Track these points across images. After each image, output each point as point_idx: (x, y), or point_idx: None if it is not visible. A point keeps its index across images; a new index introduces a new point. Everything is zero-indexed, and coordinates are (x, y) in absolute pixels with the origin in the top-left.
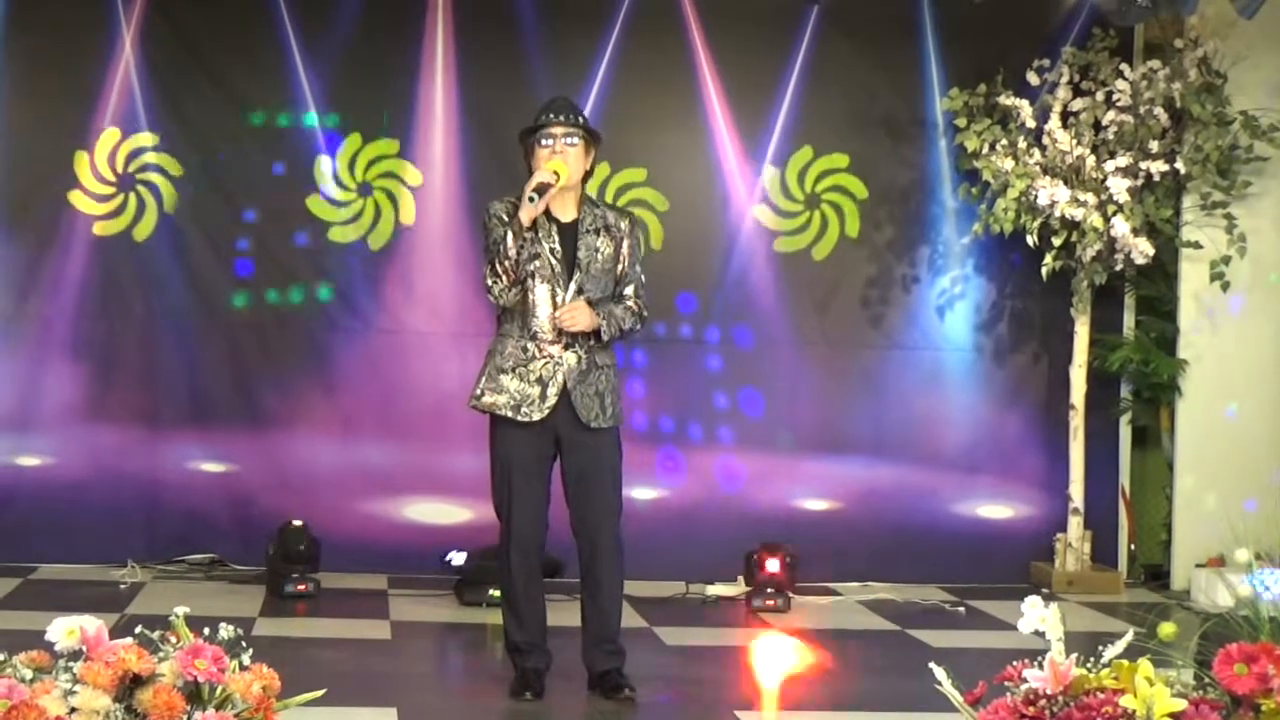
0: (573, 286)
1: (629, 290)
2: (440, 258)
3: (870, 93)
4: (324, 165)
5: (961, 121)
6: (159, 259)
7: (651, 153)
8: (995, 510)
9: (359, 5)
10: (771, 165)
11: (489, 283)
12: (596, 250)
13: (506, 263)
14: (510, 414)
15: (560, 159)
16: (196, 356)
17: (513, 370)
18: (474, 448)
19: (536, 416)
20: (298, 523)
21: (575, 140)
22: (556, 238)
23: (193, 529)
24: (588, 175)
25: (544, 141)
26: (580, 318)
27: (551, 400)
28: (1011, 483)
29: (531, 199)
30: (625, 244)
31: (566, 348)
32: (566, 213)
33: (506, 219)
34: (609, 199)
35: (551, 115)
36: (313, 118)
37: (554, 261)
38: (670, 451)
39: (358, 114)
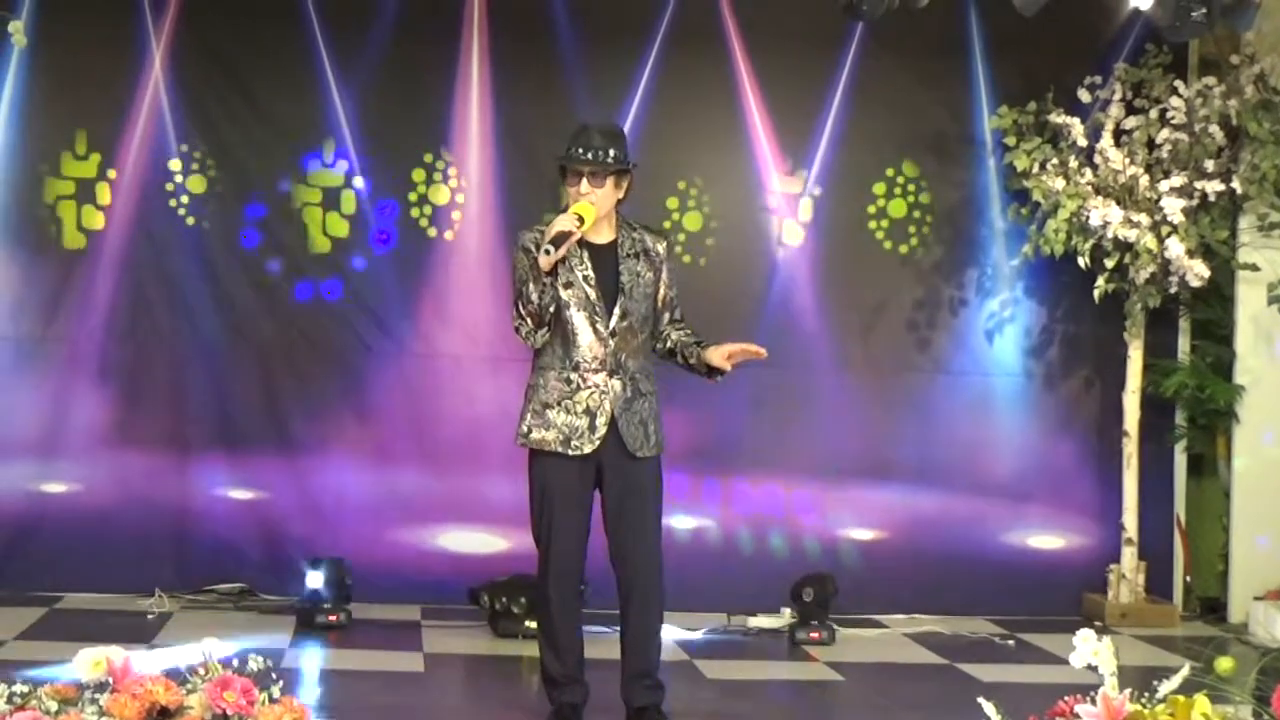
0: (616, 312)
1: (678, 314)
2: (476, 279)
3: (916, 110)
4: (358, 184)
5: (1011, 140)
6: (187, 280)
7: (692, 170)
8: (1046, 540)
9: (393, 23)
10: (815, 184)
11: (515, 324)
12: (638, 275)
13: (530, 307)
14: (560, 449)
15: (586, 200)
16: (226, 380)
17: (558, 404)
18: (510, 475)
19: (587, 449)
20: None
21: (602, 177)
22: (590, 263)
23: (222, 558)
24: (620, 202)
25: (570, 174)
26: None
27: (601, 431)
28: (1063, 512)
29: (548, 251)
30: (665, 269)
31: (611, 375)
32: (600, 235)
33: (534, 251)
34: (645, 218)
35: (580, 150)
36: (346, 136)
37: (589, 289)
38: (712, 481)
39: (392, 132)
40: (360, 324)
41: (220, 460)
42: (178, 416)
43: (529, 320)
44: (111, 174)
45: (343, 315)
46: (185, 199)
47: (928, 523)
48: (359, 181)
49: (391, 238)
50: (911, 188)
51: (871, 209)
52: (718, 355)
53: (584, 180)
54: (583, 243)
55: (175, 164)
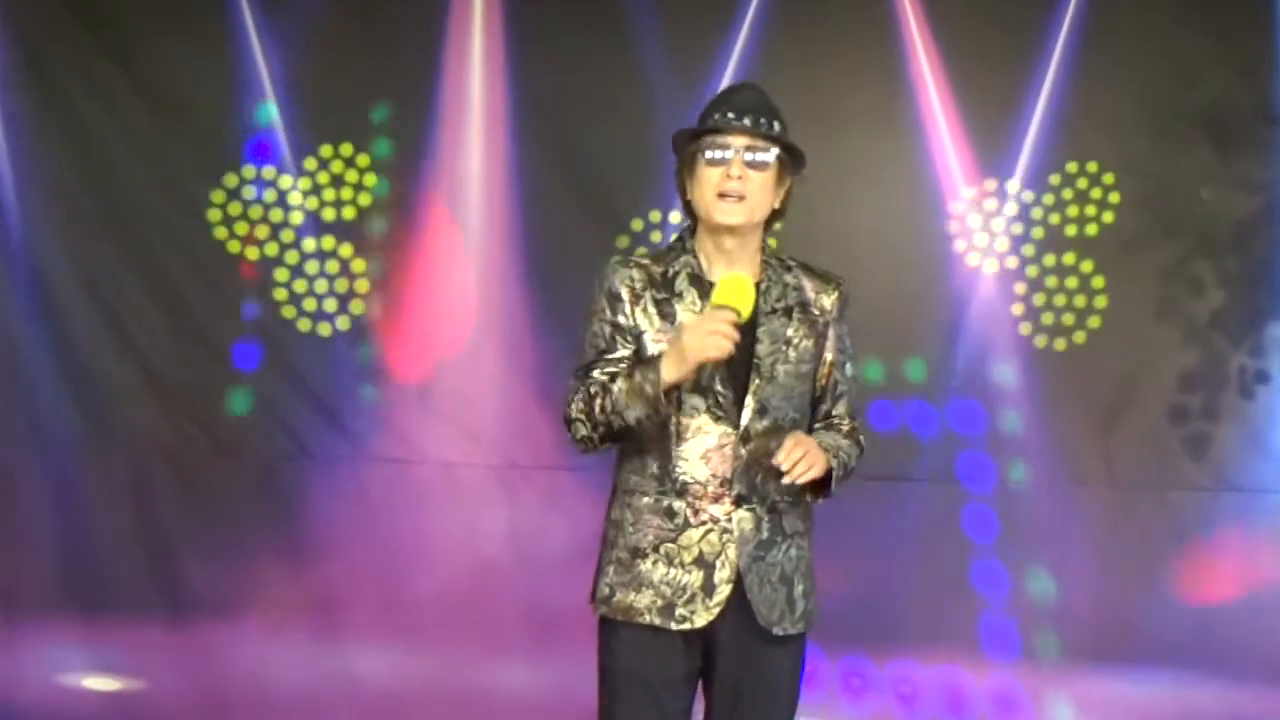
0: (749, 404)
1: (841, 408)
2: (478, 345)
3: (1180, 74)
4: (289, 193)
5: None
6: (22, 346)
7: (829, 172)
8: None
9: None
10: (1023, 191)
11: (572, 413)
12: (787, 343)
13: (614, 420)
14: (659, 620)
15: (736, 187)
16: (83, 501)
17: (655, 549)
18: (536, 653)
19: (700, 621)
20: None
21: (765, 160)
22: None
23: None
24: (775, 217)
25: (711, 155)
26: (815, 460)
27: (722, 592)
28: None
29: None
30: (832, 333)
31: (739, 504)
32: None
33: (625, 301)
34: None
35: (730, 114)
36: (271, 113)
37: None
38: (857, 661)
39: (345, 111)
40: (293, 412)
41: (69, 628)
42: (3, 558)
43: (600, 430)
44: None
45: (266, 398)
46: (14, 212)
47: None
48: (291, 186)
49: (341, 275)
50: (1173, 198)
51: (1109, 229)
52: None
53: (735, 158)
54: (702, 285)
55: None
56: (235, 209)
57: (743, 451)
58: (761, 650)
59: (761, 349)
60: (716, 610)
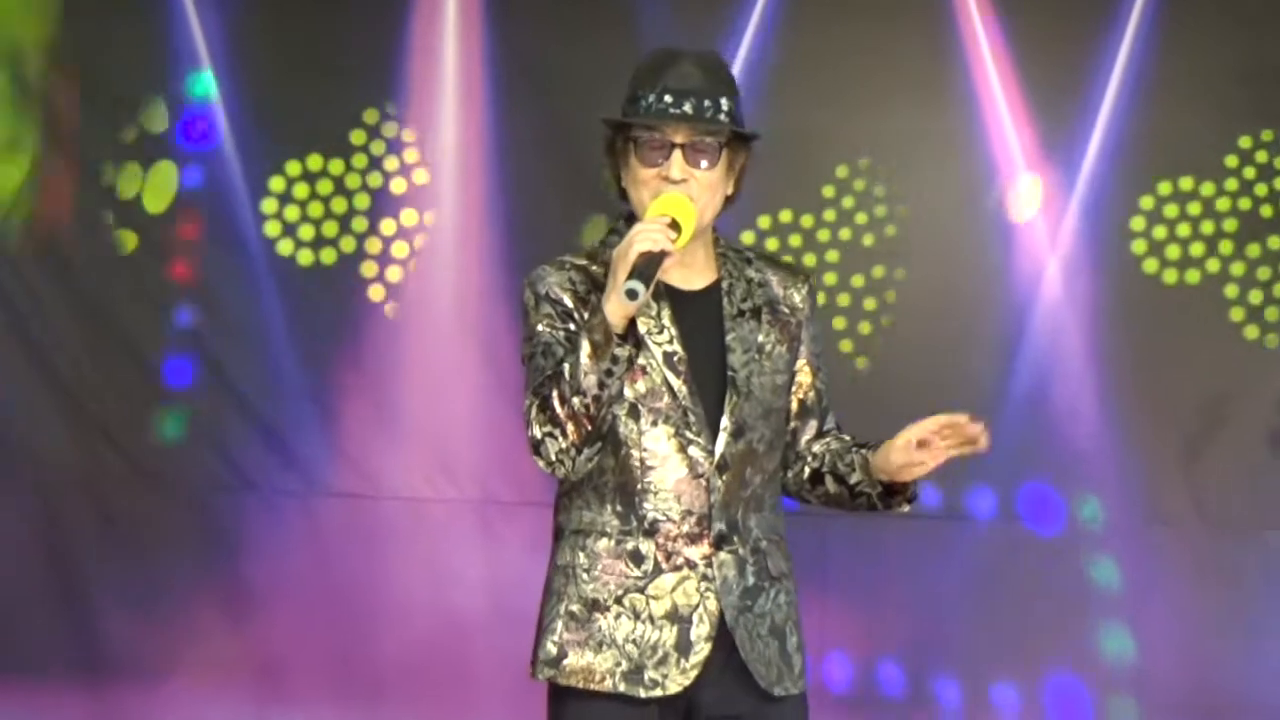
0: (726, 424)
1: (832, 421)
2: (451, 357)
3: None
4: (232, 183)
5: None
6: None
7: (867, 166)
8: None
9: None
10: (1094, 182)
11: (537, 434)
12: (760, 350)
13: (579, 401)
14: (623, 687)
15: (680, 190)
16: None
17: (617, 600)
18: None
19: (674, 687)
20: None
21: (710, 149)
22: (672, 328)
23: None
24: (728, 203)
25: (646, 152)
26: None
27: (701, 651)
28: None
29: (632, 293)
30: (806, 335)
31: (719, 545)
32: (691, 274)
33: (572, 308)
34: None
35: (667, 98)
36: (207, 86)
37: (673, 379)
38: None
39: (296, 80)
40: (230, 437)
41: None
42: None
43: (569, 428)
44: None
45: (198, 421)
46: None
47: None
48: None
49: (293, 279)
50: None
51: (1198, 225)
52: (899, 451)
53: (675, 156)
54: (661, 287)
55: None
56: (150, 196)
57: (719, 482)
58: (759, 717)
59: (734, 359)
60: (694, 674)
